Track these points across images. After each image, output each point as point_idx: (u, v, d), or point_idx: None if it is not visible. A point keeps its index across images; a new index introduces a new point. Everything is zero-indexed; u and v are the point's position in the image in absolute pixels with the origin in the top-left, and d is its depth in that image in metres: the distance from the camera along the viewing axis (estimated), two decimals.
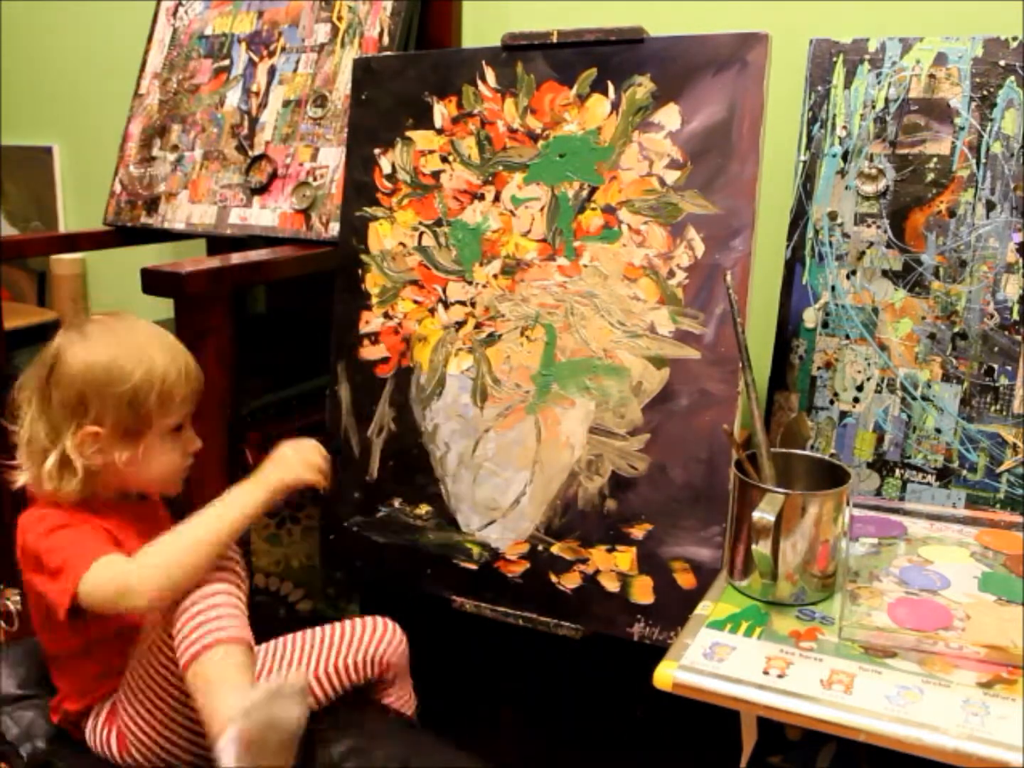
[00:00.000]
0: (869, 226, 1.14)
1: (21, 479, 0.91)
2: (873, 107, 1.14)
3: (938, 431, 1.10)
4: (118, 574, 0.84)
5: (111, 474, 0.91)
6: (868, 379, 1.14)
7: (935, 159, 1.11)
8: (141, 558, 0.85)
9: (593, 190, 1.12)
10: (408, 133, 1.24)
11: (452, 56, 1.27)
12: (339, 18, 1.55)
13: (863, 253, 1.14)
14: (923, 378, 1.11)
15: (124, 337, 0.91)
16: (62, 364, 0.88)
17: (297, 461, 0.94)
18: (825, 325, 1.16)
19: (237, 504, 0.89)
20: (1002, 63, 1.08)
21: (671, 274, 1.07)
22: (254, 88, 1.62)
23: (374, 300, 1.25)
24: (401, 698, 1.07)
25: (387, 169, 1.25)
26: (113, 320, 0.93)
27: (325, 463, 0.96)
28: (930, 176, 1.11)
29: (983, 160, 1.09)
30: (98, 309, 2.30)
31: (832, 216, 1.16)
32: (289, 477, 0.92)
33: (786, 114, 1.19)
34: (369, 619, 1.06)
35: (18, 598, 1.65)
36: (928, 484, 1.11)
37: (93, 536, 0.87)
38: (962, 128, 1.10)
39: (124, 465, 0.89)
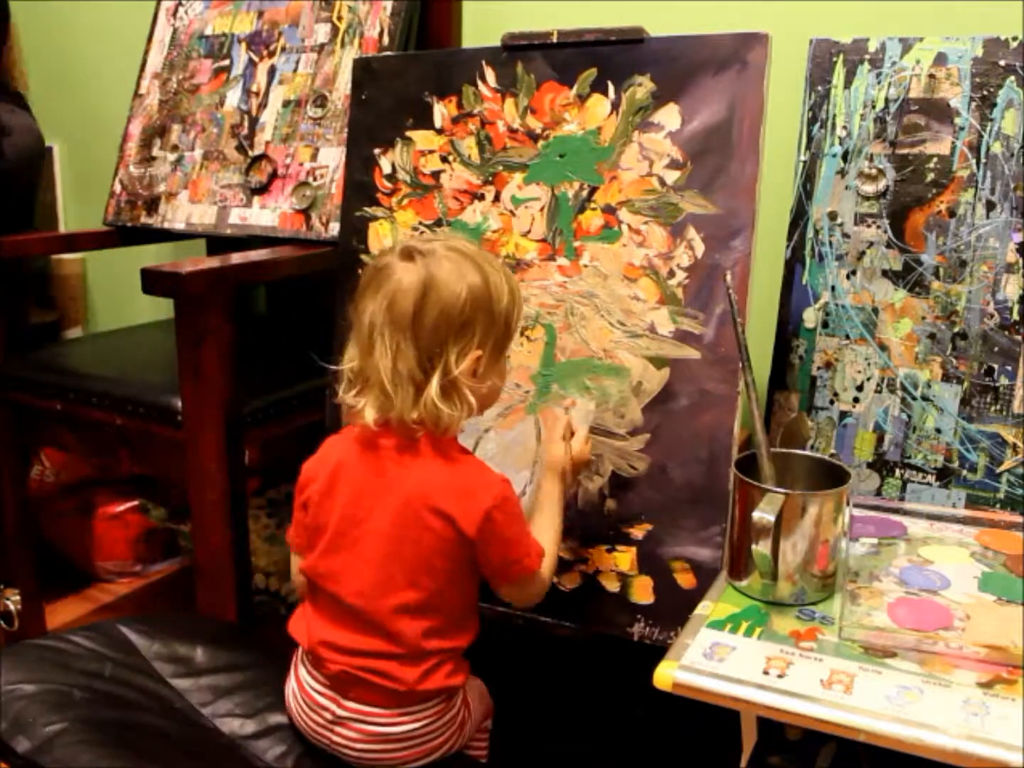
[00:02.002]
0: (869, 226, 1.14)
1: (370, 415, 0.87)
2: (873, 107, 1.14)
3: (938, 431, 1.10)
4: (542, 572, 0.93)
5: (476, 399, 0.89)
6: (868, 379, 1.14)
7: (935, 159, 1.11)
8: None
9: (593, 190, 1.12)
10: (408, 133, 1.24)
11: (452, 56, 1.27)
12: (339, 18, 1.55)
13: (863, 253, 1.14)
14: (923, 378, 1.11)
15: (476, 255, 0.88)
16: (438, 288, 0.84)
17: (555, 449, 1.02)
18: (825, 325, 1.16)
19: (556, 496, 1.00)
20: (1002, 63, 1.08)
21: (671, 274, 1.07)
22: (254, 88, 1.62)
23: None
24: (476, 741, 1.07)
25: (387, 169, 1.25)
26: (462, 240, 0.90)
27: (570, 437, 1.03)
28: (930, 176, 1.11)
29: (983, 160, 1.09)
30: (96, 305, 2.31)
31: (832, 216, 1.16)
32: (559, 466, 1.01)
33: (786, 114, 1.18)
34: None
35: (18, 598, 1.65)
36: (928, 484, 1.11)
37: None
38: (962, 128, 1.10)
39: (493, 386, 0.91)
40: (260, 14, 1.65)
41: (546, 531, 0.96)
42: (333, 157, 1.48)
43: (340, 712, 0.90)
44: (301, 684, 0.94)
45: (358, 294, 0.90)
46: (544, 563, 0.93)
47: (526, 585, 0.93)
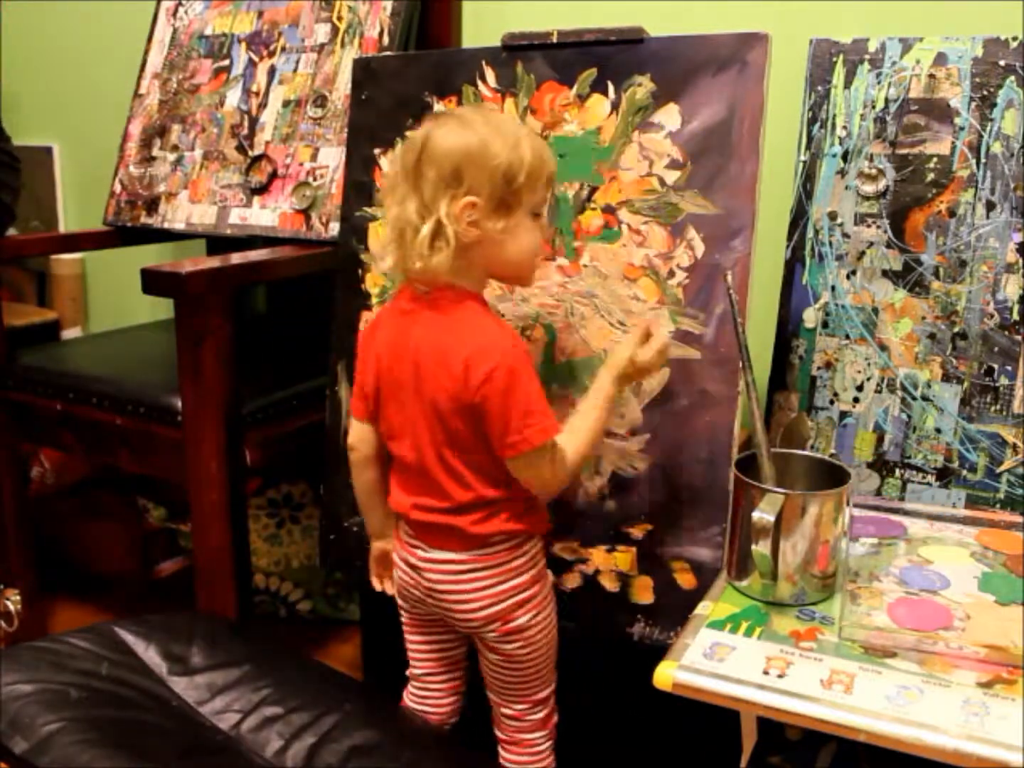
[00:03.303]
0: (869, 226, 1.14)
1: (385, 263, 0.96)
2: (873, 107, 1.14)
3: (938, 431, 1.10)
4: (559, 454, 0.93)
5: (480, 251, 0.94)
6: (868, 379, 1.14)
7: (935, 159, 1.11)
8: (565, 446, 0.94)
9: (593, 190, 1.12)
10: (408, 133, 1.23)
11: (452, 56, 1.27)
12: (339, 18, 1.55)
13: (863, 253, 1.14)
14: (923, 378, 1.11)
15: (493, 120, 0.95)
16: (435, 142, 0.92)
17: (622, 349, 0.99)
18: (825, 325, 1.16)
19: (604, 391, 0.98)
20: (1002, 63, 1.08)
21: (671, 274, 1.07)
22: (254, 88, 1.62)
23: (374, 300, 1.25)
24: None
25: (387, 169, 1.25)
26: (480, 108, 0.99)
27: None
28: (930, 176, 1.11)
29: (983, 160, 1.09)
30: (96, 305, 2.31)
31: (832, 216, 1.16)
32: (620, 365, 0.98)
33: (786, 114, 1.18)
34: None
35: (18, 598, 1.65)
36: (928, 484, 1.11)
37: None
38: (962, 128, 1.10)
39: (497, 235, 0.92)
40: (260, 14, 1.66)
41: (581, 418, 0.97)
42: (333, 157, 1.48)
43: (425, 554, 0.99)
44: (399, 539, 1.03)
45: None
46: (564, 447, 0.93)
47: (532, 464, 0.92)
